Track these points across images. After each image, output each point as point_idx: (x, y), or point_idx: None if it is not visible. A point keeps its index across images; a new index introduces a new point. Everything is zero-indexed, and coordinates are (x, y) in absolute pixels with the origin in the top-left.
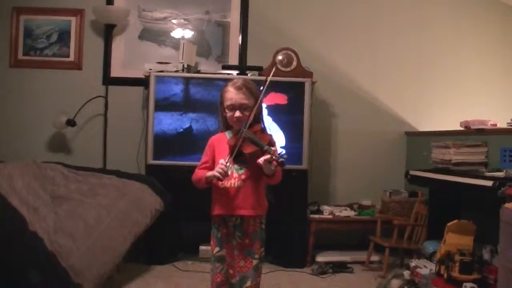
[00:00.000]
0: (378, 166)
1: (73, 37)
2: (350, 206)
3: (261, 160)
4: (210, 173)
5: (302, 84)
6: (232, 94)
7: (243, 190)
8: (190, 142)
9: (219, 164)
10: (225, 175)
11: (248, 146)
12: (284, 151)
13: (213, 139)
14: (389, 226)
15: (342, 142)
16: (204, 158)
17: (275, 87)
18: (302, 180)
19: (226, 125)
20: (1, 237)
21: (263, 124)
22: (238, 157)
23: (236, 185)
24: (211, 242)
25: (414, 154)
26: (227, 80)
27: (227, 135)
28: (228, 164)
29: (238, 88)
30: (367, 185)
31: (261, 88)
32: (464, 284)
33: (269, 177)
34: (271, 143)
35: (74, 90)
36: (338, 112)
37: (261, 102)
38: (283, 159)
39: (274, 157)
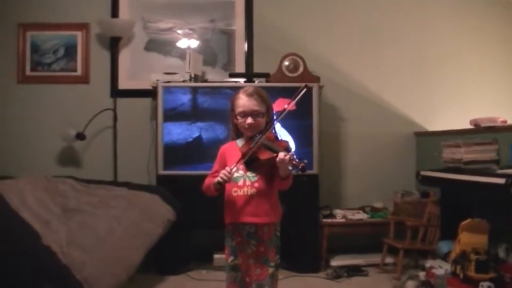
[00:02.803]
0: (389, 167)
1: (80, 51)
2: (362, 209)
3: (281, 156)
4: (215, 180)
5: (310, 89)
6: (244, 101)
7: (257, 197)
8: (200, 151)
9: (224, 170)
10: (227, 180)
11: (264, 153)
12: (305, 160)
13: (224, 147)
14: (402, 228)
15: (351, 145)
16: (215, 167)
17: (282, 92)
18: (314, 185)
19: (237, 133)
20: (15, 252)
21: (276, 133)
22: (251, 164)
23: (249, 193)
24: (226, 251)
25: (424, 154)
26: (234, 88)
27: (238, 143)
28: (234, 169)
29: (250, 95)
30: (378, 187)
31: (285, 106)
32: (481, 283)
33: (282, 180)
34: (288, 149)
35: (82, 104)
36: (347, 115)
37: (273, 114)
38: (304, 164)
39: (293, 160)
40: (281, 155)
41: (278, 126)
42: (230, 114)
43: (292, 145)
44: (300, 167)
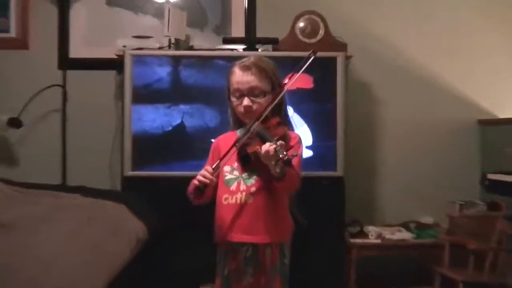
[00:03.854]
0: (442, 168)
1: (14, 4)
2: (405, 226)
3: (264, 147)
4: (192, 183)
5: (332, 61)
6: (238, 76)
7: (254, 206)
8: (183, 144)
9: (204, 169)
10: (208, 183)
11: (254, 145)
12: (295, 153)
13: (220, 140)
14: (461, 252)
15: (390, 137)
16: (207, 164)
17: (296, 66)
18: (337, 192)
19: (238, 121)
20: None
21: (287, 118)
22: (247, 162)
23: (243, 200)
24: (216, 282)
25: (492, 150)
26: (230, 59)
27: (239, 134)
28: (218, 169)
29: (246, 68)
30: (427, 196)
31: (290, 76)
32: None
33: (277, 181)
34: (284, 137)
35: (18, 78)
36: (384, 96)
37: (281, 91)
38: (288, 157)
39: (279, 153)
40: (265, 146)
41: (291, 111)
42: (227, 95)
43: (306, 136)
44: (285, 160)
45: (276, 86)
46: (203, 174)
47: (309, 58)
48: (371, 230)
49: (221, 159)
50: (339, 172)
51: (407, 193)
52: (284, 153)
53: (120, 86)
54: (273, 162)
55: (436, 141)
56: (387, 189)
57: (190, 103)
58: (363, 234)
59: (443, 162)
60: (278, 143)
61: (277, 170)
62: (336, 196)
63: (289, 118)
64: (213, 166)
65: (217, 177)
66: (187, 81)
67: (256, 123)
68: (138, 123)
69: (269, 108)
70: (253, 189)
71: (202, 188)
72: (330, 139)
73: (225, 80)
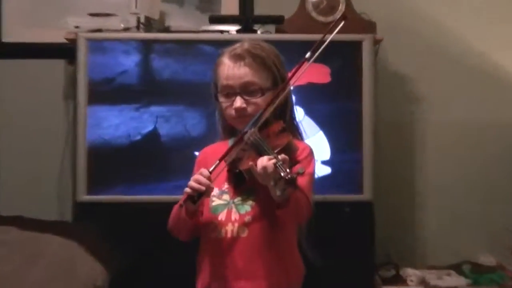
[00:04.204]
0: (507, 190)
1: None
2: (456, 268)
3: (262, 161)
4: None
5: (356, 46)
6: (227, 68)
7: (250, 242)
8: (156, 159)
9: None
10: (203, 192)
11: (249, 159)
12: (302, 169)
13: (206, 153)
14: None
15: (435, 147)
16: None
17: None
18: (364, 222)
19: (228, 127)
20: None
21: (294, 123)
22: (241, 182)
23: (236, 233)
24: None
25: None
26: (219, 44)
27: (230, 143)
28: (210, 171)
29: (238, 57)
30: (486, 228)
31: (298, 67)
32: None
33: (279, 208)
34: (287, 148)
35: None
36: (426, 93)
37: (287, 86)
38: (292, 176)
39: (280, 169)
40: (261, 161)
41: (300, 113)
42: (214, 94)
43: (322, 147)
44: (287, 179)
45: (278, 80)
46: (197, 178)
47: (337, 24)
48: (411, 274)
49: (228, 151)
50: (366, 195)
51: (459, 223)
52: (287, 170)
53: (72, 80)
54: (272, 183)
55: (496, 153)
56: (431, 218)
57: (166, 104)
58: (399, 279)
59: (508, 182)
60: (279, 156)
61: (278, 193)
62: (362, 227)
63: (297, 124)
64: (210, 170)
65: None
66: (162, 74)
67: (252, 130)
68: (95, 131)
69: (269, 110)
70: (248, 218)
71: (196, 198)
72: (354, 150)
73: (212, 73)
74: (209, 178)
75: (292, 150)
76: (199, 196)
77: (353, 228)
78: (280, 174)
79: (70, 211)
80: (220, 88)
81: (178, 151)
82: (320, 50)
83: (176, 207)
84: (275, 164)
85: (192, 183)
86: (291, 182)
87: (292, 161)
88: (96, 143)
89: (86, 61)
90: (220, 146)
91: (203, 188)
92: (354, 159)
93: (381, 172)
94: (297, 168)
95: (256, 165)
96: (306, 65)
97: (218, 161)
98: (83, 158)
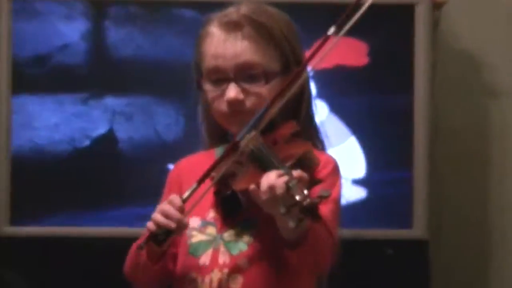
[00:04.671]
0: None
1: None
2: None
3: (269, 179)
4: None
5: (407, 12)
6: (216, 43)
7: None
8: (112, 174)
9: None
10: (167, 226)
11: (248, 176)
12: (326, 191)
13: (182, 167)
14: None
15: None
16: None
17: (329, 17)
18: (414, 268)
19: (216, 129)
20: None
21: (313, 124)
22: (233, 209)
23: (224, 284)
24: None
25: None
26: (204, 8)
27: (217, 154)
28: (185, 199)
29: (232, 26)
30: None
31: (320, 43)
32: None
33: (291, 248)
34: (304, 160)
35: None
36: (509, 84)
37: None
38: (314, 202)
39: (290, 188)
40: (267, 178)
41: (323, 110)
42: (196, 80)
43: (356, 161)
44: (305, 205)
45: (291, 62)
46: (165, 210)
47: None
48: None
49: (212, 168)
50: (418, 231)
51: None
52: (304, 192)
53: None
54: (282, 210)
55: None
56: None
57: (127, 94)
58: None
59: None
60: (293, 172)
61: (291, 224)
62: (412, 276)
63: (317, 126)
64: (185, 196)
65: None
66: (120, 51)
67: (252, 134)
68: (23, 133)
69: (278, 106)
70: (243, 261)
71: (162, 237)
72: (400, 166)
73: (193, 49)
74: (181, 210)
75: (310, 164)
76: (167, 235)
77: (398, 278)
78: (295, 198)
79: None
80: (206, 72)
81: (144, 164)
82: (351, 23)
83: (134, 247)
84: (287, 183)
85: (157, 216)
86: (311, 210)
87: (311, 180)
88: (23, 151)
89: (8, 30)
90: (203, 158)
91: (173, 224)
92: (401, 179)
93: (440, 198)
94: (319, 189)
95: (258, 184)
96: (332, 41)
97: (196, 183)
98: (4, 172)
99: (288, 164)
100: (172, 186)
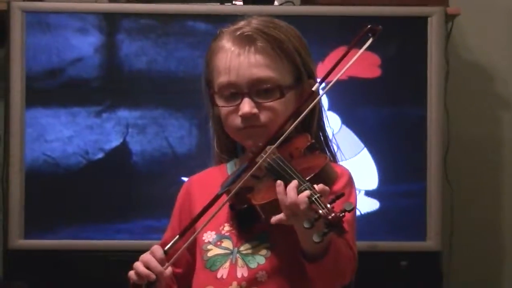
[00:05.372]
0: None
1: None
2: None
3: (289, 192)
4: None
5: (420, 24)
6: (230, 57)
7: None
8: (125, 187)
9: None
10: (148, 277)
11: (265, 189)
12: (349, 205)
13: (193, 183)
14: None
15: None
16: (167, 233)
17: (347, 33)
18: (428, 280)
19: (228, 145)
20: None
21: (325, 135)
22: (250, 222)
23: None
24: None
25: None
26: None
27: (229, 169)
28: (166, 250)
29: (245, 40)
30: None
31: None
32: None
33: (311, 263)
34: (324, 175)
35: None
36: None
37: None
38: (339, 215)
39: (314, 202)
40: (291, 191)
41: (335, 122)
42: (208, 95)
43: (369, 172)
44: (330, 220)
45: (303, 74)
46: (146, 261)
47: (365, 34)
48: None
49: (194, 221)
50: (431, 243)
51: None
52: (327, 206)
53: (1, 71)
54: (306, 225)
55: None
56: None
57: (140, 107)
58: None
59: None
60: (315, 186)
61: (316, 239)
62: (425, 286)
63: (328, 137)
64: (165, 249)
65: (192, 253)
66: (133, 64)
67: (269, 148)
68: (37, 146)
69: (295, 120)
70: (261, 275)
71: (144, 287)
72: (414, 177)
73: (204, 63)
74: (162, 261)
75: (330, 177)
76: (149, 286)
77: None
78: (319, 212)
79: (1, 262)
80: (219, 87)
81: (157, 176)
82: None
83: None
84: (309, 197)
85: (138, 266)
86: (336, 225)
87: (332, 193)
88: (37, 164)
89: (22, 43)
90: (215, 173)
91: (153, 276)
92: (415, 190)
93: (454, 210)
94: (341, 203)
95: (272, 199)
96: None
97: (178, 235)
98: (18, 185)
99: (308, 178)
100: (183, 203)
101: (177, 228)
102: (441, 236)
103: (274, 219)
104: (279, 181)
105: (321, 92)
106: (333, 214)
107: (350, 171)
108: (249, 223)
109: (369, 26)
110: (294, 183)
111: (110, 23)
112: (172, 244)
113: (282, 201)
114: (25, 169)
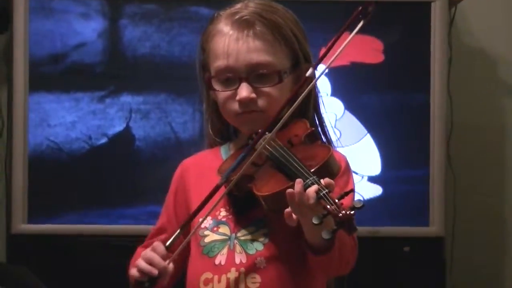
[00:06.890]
0: None
1: None
2: None
3: (296, 187)
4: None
5: (423, 9)
6: (227, 41)
7: None
8: (129, 172)
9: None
10: (151, 273)
11: (267, 179)
12: (361, 199)
13: (188, 166)
14: None
15: None
16: (162, 218)
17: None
18: (431, 266)
19: (222, 129)
20: None
21: (321, 121)
22: (245, 209)
23: (240, 284)
24: None
25: None
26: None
27: (223, 153)
28: (168, 246)
29: (243, 24)
30: None
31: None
32: None
33: (315, 255)
34: (328, 166)
35: None
36: None
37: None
38: (350, 214)
39: (322, 198)
40: (297, 184)
41: (338, 109)
42: (201, 79)
43: (372, 158)
44: (339, 219)
45: (300, 59)
46: (149, 257)
47: (364, 13)
48: None
49: (194, 214)
50: (435, 229)
51: None
52: (336, 202)
53: (5, 56)
54: (315, 221)
55: None
56: None
57: (143, 92)
58: None
59: None
60: (321, 181)
61: (326, 236)
62: (428, 274)
63: (325, 124)
64: (168, 243)
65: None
66: (136, 49)
67: (267, 135)
68: (40, 131)
69: (294, 105)
70: (260, 261)
71: (147, 284)
72: (417, 163)
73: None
74: (164, 257)
75: (333, 169)
76: (151, 282)
77: (415, 275)
78: (327, 208)
79: (3, 248)
80: (216, 71)
81: (160, 161)
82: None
83: (138, 252)
84: (317, 192)
85: (141, 263)
86: (347, 223)
87: (341, 188)
88: (40, 149)
89: (26, 28)
90: (209, 156)
91: (155, 271)
92: (418, 176)
93: (457, 195)
94: (351, 199)
95: (283, 190)
96: (348, 39)
97: (180, 229)
98: (21, 170)
99: (312, 169)
100: (176, 189)
101: (172, 213)
102: (444, 222)
103: (288, 213)
104: (298, 179)
105: (317, 75)
106: (343, 212)
107: (346, 157)
108: (246, 208)
109: (360, 8)
110: (300, 176)
111: (113, 8)
112: (174, 239)
113: (291, 196)
114: (28, 154)
